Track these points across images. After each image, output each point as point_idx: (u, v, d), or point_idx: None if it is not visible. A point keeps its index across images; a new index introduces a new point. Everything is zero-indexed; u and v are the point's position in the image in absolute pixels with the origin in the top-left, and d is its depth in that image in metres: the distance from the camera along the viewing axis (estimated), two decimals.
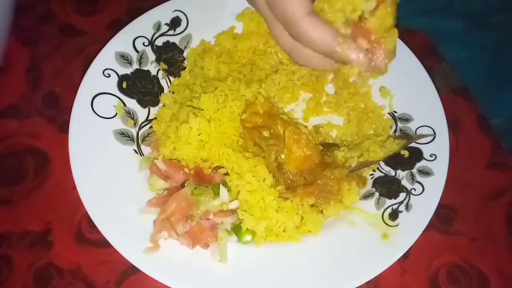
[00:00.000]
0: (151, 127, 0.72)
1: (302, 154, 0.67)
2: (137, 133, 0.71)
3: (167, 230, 0.61)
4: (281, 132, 0.67)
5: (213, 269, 0.61)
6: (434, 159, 0.69)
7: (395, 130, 0.74)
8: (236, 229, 0.63)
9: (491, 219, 0.72)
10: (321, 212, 0.66)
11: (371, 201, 0.68)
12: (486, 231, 0.71)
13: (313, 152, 0.67)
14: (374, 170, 0.71)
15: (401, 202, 0.66)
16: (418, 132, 0.71)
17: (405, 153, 0.70)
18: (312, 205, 0.66)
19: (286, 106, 0.78)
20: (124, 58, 0.74)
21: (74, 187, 0.63)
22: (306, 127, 0.75)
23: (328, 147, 0.71)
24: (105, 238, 0.60)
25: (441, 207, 0.65)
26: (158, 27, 0.77)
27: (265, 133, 0.66)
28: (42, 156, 0.73)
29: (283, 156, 0.67)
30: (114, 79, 0.72)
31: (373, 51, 0.55)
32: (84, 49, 0.81)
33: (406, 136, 0.72)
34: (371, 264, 0.61)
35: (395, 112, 0.75)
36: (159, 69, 0.76)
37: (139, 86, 0.74)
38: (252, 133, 0.67)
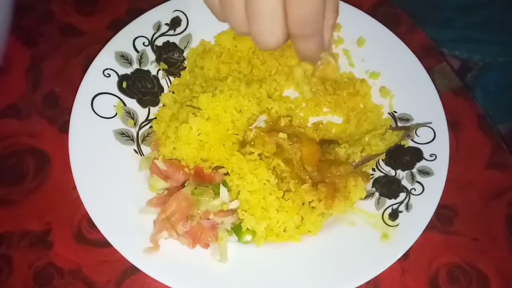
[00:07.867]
0: (151, 127, 0.72)
1: (310, 151, 0.66)
2: (137, 133, 0.71)
3: (167, 230, 0.61)
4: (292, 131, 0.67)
5: (213, 269, 0.61)
6: (434, 159, 0.69)
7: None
8: (236, 229, 0.63)
9: (491, 219, 0.72)
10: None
11: (371, 201, 0.68)
12: (486, 231, 0.71)
13: (317, 148, 0.67)
14: (374, 170, 0.71)
15: (401, 202, 0.66)
16: (418, 132, 0.71)
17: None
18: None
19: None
20: (124, 58, 0.74)
21: (74, 187, 0.63)
22: (306, 126, 0.75)
23: (328, 143, 0.71)
24: (105, 238, 0.60)
25: (441, 207, 0.65)
26: (158, 27, 0.77)
27: (282, 135, 0.66)
28: (42, 156, 0.73)
29: (299, 155, 0.67)
30: (114, 79, 0.72)
31: None
32: (84, 49, 0.81)
33: (404, 127, 0.72)
34: (371, 264, 0.61)
35: (395, 112, 0.75)
36: (159, 69, 0.76)
37: (139, 86, 0.74)
38: (272, 136, 0.66)
